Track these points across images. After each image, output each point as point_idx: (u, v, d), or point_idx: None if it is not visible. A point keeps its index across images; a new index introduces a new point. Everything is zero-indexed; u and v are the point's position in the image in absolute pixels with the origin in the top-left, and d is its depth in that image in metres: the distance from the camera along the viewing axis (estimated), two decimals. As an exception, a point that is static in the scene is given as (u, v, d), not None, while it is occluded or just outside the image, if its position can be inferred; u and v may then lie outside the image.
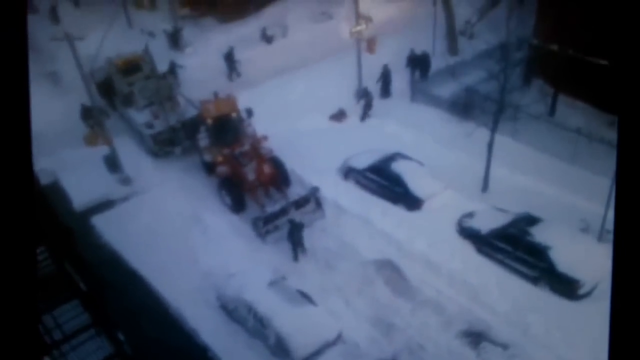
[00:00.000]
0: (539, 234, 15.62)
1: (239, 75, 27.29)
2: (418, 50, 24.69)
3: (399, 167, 18.74)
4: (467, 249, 16.50)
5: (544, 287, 15.17)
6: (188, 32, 30.89)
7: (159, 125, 21.78)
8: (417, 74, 24.70)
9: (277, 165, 19.38)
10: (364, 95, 23.24)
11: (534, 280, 15.36)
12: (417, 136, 21.13)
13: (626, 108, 2.06)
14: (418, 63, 24.59)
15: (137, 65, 24.13)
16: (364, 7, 24.52)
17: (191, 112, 22.01)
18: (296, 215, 17.95)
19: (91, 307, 13.53)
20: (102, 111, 20.24)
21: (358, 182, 19.47)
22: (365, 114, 23.22)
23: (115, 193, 19.88)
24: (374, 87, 24.04)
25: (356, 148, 20.31)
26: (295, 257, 17.11)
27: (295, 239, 16.96)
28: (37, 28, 33.10)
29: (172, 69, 26.34)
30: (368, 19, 27.34)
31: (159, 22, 32.17)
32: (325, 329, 14.39)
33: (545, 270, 15.14)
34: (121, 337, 13.73)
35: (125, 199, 19.78)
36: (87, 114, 20.82)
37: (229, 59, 27.02)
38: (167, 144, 21.76)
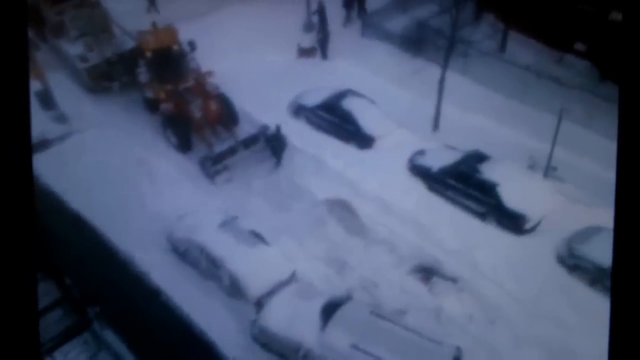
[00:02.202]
0: (487, 171, 15.93)
1: (157, 10, 23.90)
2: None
3: (350, 105, 18.44)
4: (418, 187, 16.66)
5: (492, 223, 15.64)
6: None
7: (94, 58, 20.29)
8: (354, 13, 23.95)
9: (225, 103, 18.64)
10: (320, 31, 22.29)
11: (482, 216, 15.78)
12: (367, 73, 20.72)
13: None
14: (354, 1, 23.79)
15: None
16: None
17: (129, 44, 20.58)
18: (246, 154, 17.54)
19: (33, 254, 12.90)
20: (31, 43, 18.57)
21: (309, 120, 19.06)
22: (324, 52, 22.45)
23: (51, 132, 18.49)
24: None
25: (305, 85, 19.79)
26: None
27: (275, 148, 17.53)
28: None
29: None
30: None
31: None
32: (279, 268, 14.36)
33: (493, 206, 15.56)
34: (68, 281, 13.26)
35: (62, 138, 18.47)
36: None
37: None
38: (104, 78, 20.35)
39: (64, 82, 20.37)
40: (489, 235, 15.26)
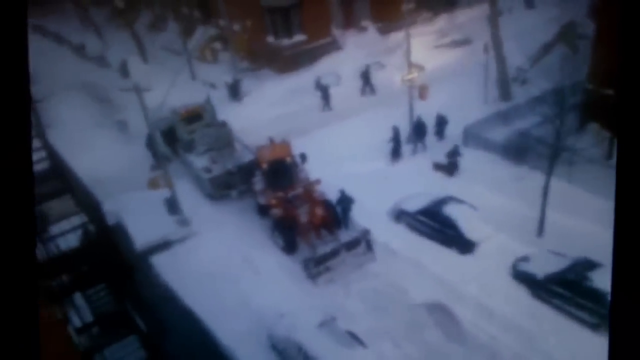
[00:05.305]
0: (599, 279, 15.07)
1: (330, 108, 29.24)
2: (423, 117, 24.04)
3: (451, 210, 18.68)
4: (521, 294, 16.10)
5: (605, 334, 14.55)
6: (246, 83, 32.36)
7: (217, 170, 22.71)
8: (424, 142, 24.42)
9: (329, 208, 19.71)
10: (453, 154, 22.21)
11: (594, 327, 14.77)
12: (469, 180, 21.06)
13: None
14: (421, 131, 24.09)
15: (199, 114, 25.43)
16: (415, 56, 25.05)
17: (248, 157, 22.85)
18: (347, 257, 18.15)
19: (148, 344, 13.99)
20: (165, 157, 21.30)
21: (409, 225, 19.49)
22: (454, 170, 22.33)
23: (174, 234, 20.69)
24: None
25: (407, 191, 20.45)
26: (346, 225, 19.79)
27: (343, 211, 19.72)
28: (109, 80, 35.63)
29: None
30: (420, 67, 27.96)
31: (221, 74, 33.93)
32: (374, 371, 14.22)
33: (606, 316, 14.55)
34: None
35: (183, 239, 20.54)
36: (151, 143, 21.89)
37: (324, 91, 29.29)
38: (224, 187, 22.59)
39: (189, 190, 22.86)
40: (602, 348, 14.11)
